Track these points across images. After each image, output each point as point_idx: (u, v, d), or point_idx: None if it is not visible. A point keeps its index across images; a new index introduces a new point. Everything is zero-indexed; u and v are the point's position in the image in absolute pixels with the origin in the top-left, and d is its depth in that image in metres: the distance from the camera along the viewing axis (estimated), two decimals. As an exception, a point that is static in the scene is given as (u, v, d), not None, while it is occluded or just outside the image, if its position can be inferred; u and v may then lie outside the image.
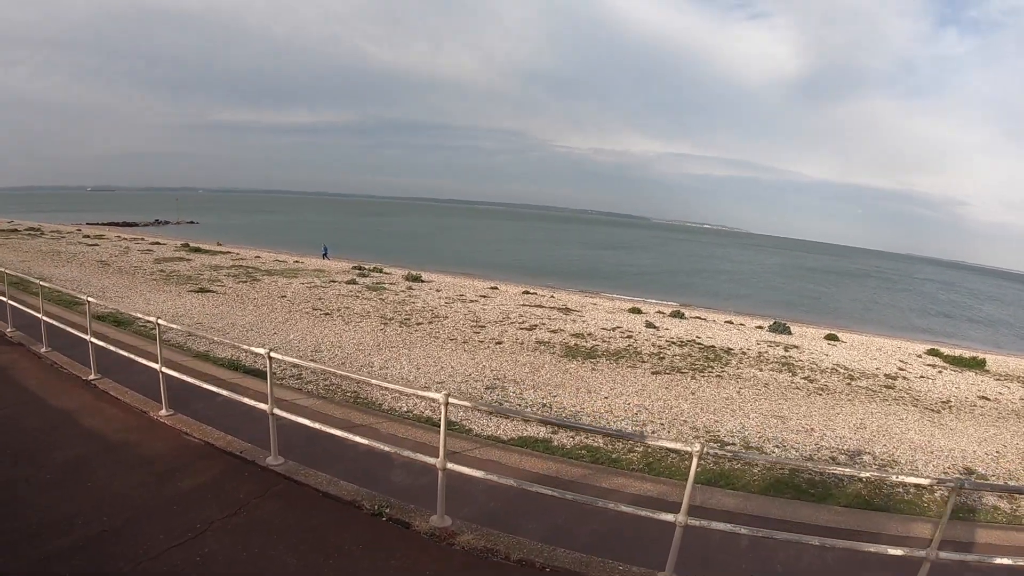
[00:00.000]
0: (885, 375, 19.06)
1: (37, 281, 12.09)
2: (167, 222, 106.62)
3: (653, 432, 11.36)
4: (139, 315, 9.95)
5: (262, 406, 7.01)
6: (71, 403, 8.84)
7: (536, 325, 22.07)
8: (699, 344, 21.14)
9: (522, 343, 18.58)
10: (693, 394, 14.32)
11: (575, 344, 19.03)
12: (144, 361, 8.82)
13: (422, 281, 34.62)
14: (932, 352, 26.24)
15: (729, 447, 10.93)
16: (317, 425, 6.66)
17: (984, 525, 8.23)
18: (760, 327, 29.42)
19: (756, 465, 9.27)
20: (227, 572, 5.13)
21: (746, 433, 11.82)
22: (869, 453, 11.38)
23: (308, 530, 5.75)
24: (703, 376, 16.26)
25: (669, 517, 4.99)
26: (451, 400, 5.62)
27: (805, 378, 17.27)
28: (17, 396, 9.05)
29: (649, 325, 24.48)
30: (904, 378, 18.96)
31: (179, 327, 9.92)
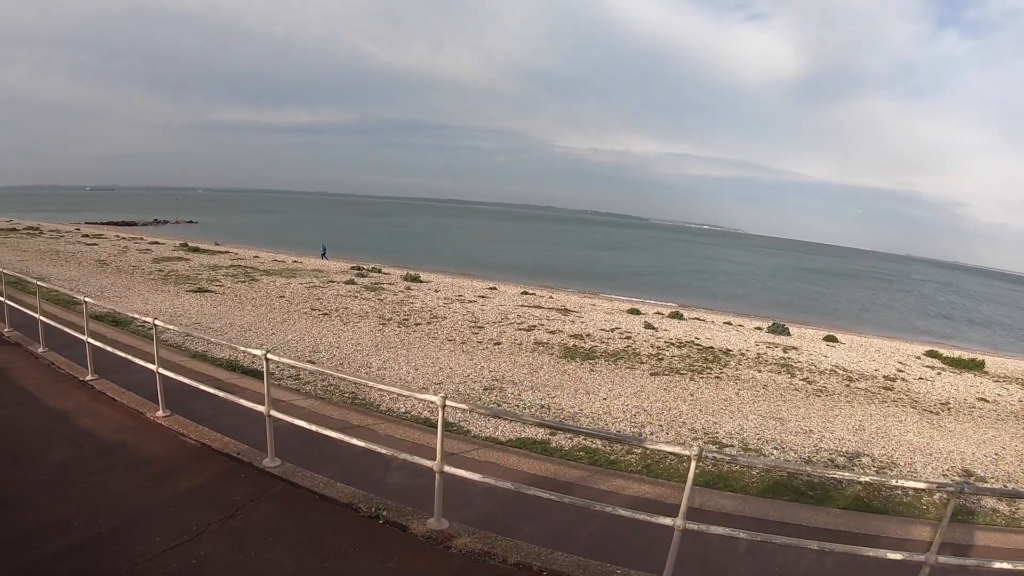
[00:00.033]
0: (884, 376, 19.07)
1: (34, 281, 12.05)
2: (166, 222, 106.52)
3: (652, 434, 11.35)
4: (136, 315, 9.90)
5: (259, 408, 6.97)
6: (68, 404, 8.80)
7: (535, 326, 22.06)
8: (698, 345, 21.14)
9: (520, 344, 18.57)
10: (692, 395, 14.31)
11: (574, 345, 19.02)
12: (141, 362, 8.78)
13: (421, 281, 34.62)
14: (931, 353, 26.24)
15: (728, 449, 10.92)
16: (314, 427, 6.62)
17: (983, 528, 8.22)
18: (759, 328, 29.42)
19: (755, 467, 9.26)
20: (223, 575, 5.10)
21: (745, 435, 11.81)
22: (868, 455, 11.37)
23: (305, 533, 5.72)
24: (702, 377, 16.25)
25: (667, 521, 4.96)
26: (448, 403, 5.59)
27: (804, 379, 17.27)
28: (14, 396, 9.01)
29: (648, 326, 24.48)
30: (903, 380, 18.96)
31: (176, 328, 9.89)
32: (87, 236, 48.77)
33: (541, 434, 10.16)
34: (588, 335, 21.04)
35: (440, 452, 5.70)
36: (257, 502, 6.21)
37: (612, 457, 9.41)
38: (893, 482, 4.90)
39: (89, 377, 9.85)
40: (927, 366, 22.71)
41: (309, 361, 14.29)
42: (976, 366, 23.48)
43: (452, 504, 6.39)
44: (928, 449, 12.11)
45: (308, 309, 21.79)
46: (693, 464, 4.77)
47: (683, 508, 4.89)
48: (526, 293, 35.07)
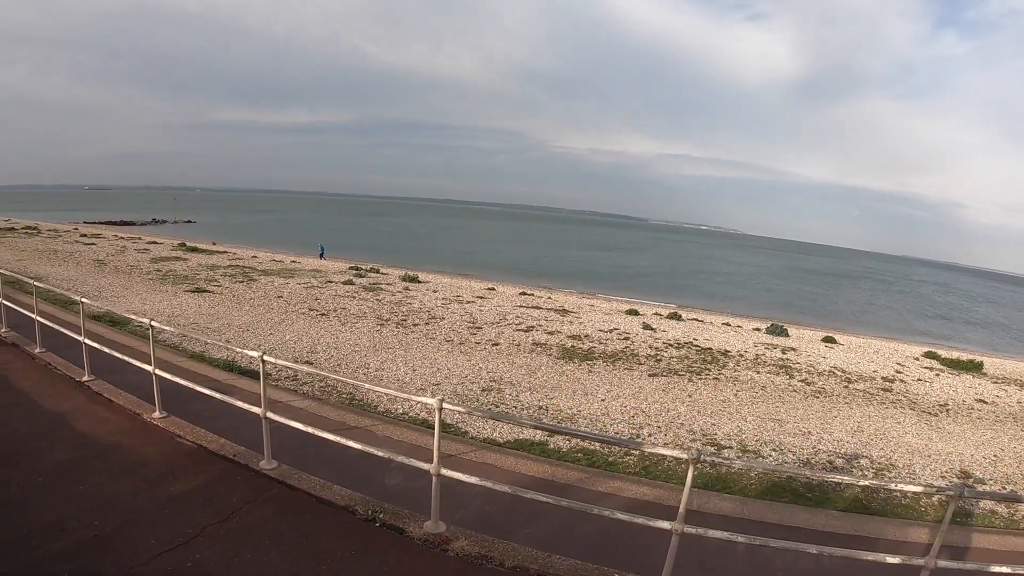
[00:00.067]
0: (882, 378, 19.06)
1: (31, 281, 12.02)
2: (164, 221, 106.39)
3: (650, 435, 11.33)
4: (132, 316, 9.86)
5: (255, 409, 6.94)
6: (64, 405, 8.77)
7: (533, 327, 22.05)
8: (696, 346, 21.14)
9: (519, 345, 18.54)
10: (690, 397, 14.29)
11: (572, 346, 19.00)
12: (137, 363, 8.74)
13: (419, 282, 34.60)
14: (929, 355, 26.24)
15: (726, 451, 10.91)
16: (310, 429, 6.59)
17: (982, 530, 8.20)
18: (757, 329, 29.41)
19: (753, 469, 9.24)
20: (219, 579, 5.08)
21: (743, 436, 11.80)
22: (866, 456, 11.36)
23: (301, 536, 5.69)
24: (700, 379, 16.24)
25: (665, 524, 4.94)
26: (445, 405, 5.56)
27: (802, 381, 17.26)
28: (10, 397, 8.97)
29: (646, 327, 24.48)
30: (901, 381, 18.96)
31: (172, 329, 9.85)
32: (85, 235, 48.71)
33: (539, 435, 10.14)
34: (586, 336, 21.03)
35: (437, 455, 5.67)
36: (253, 505, 6.18)
37: (610, 459, 9.38)
38: (892, 486, 4.88)
39: (86, 378, 9.81)
40: (925, 367, 22.72)
41: (307, 362, 14.28)
42: (974, 367, 23.48)
43: (450, 506, 6.37)
44: (927, 451, 12.11)
45: (306, 309, 21.77)
46: (691, 468, 4.75)
47: (681, 511, 4.86)
48: (524, 294, 35.05)
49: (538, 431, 10.28)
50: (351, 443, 6.30)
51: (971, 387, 19.44)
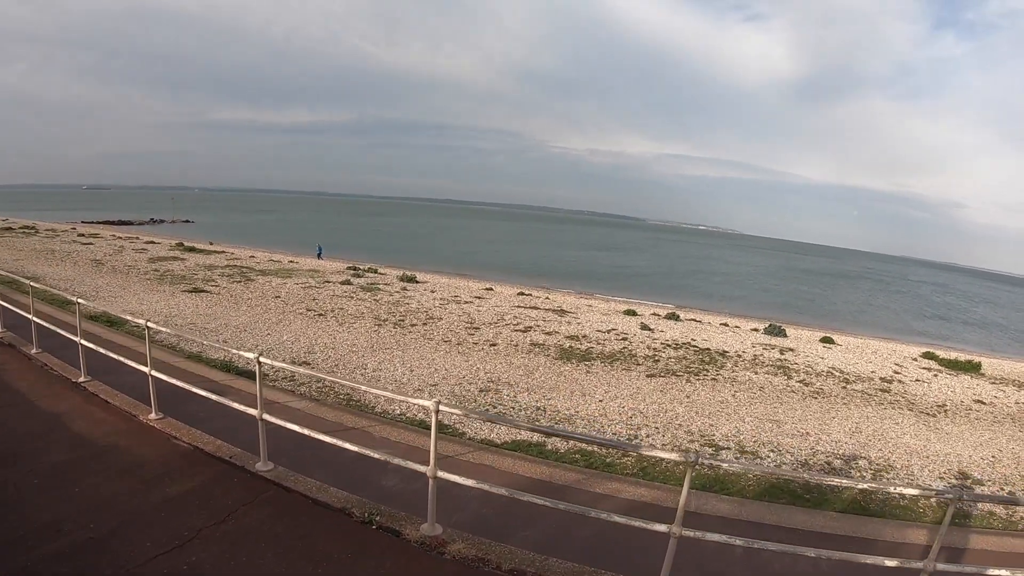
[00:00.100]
0: (880, 378, 19.07)
1: (27, 281, 11.99)
2: (162, 221, 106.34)
3: (647, 436, 11.32)
4: (128, 317, 9.83)
5: (251, 411, 6.90)
6: (60, 406, 8.73)
7: (531, 327, 22.04)
8: (694, 347, 21.14)
9: (516, 345, 18.53)
10: (688, 397, 14.28)
11: (570, 346, 19.00)
12: (134, 364, 8.70)
13: (417, 282, 34.60)
14: (927, 355, 26.26)
15: (724, 451, 10.89)
16: (307, 431, 6.56)
17: (980, 531, 8.21)
18: (755, 329, 29.43)
19: (751, 472, 9.23)
20: (214, 582, 5.06)
21: (741, 437, 11.79)
22: (865, 457, 11.36)
23: (297, 538, 5.66)
24: (698, 379, 16.23)
25: (663, 528, 4.91)
26: (442, 407, 5.54)
27: (800, 381, 17.25)
28: (6, 398, 8.93)
29: (644, 327, 24.48)
30: (900, 382, 18.96)
31: (168, 331, 9.83)
32: (83, 235, 48.69)
33: (536, 437, 10.11)
34: (584, 336, 21.02)
35: (433, 457, 5.65)
36: (249, 507, 6.15)
37: (608, 460, 9.37)
38: (891, 489, 4.86)
39: (82, 379, 9.77)
40: (924, 368, 22.73)
41: (304, 363, 14.26)
42: (972, 368, 23.49)
43: (447, 508, 6.36)
44: (925, 451, 12.10)
45: (304, 310, 21.75)
46: (689, 471, 4.73)
47: (679, 515, 4.84)
48: (522, 294, 35.06)
49: (536, 432, 10.26)
50: (348, 445, 6.27)
51: (969, 388, 19.46)
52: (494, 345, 18.30)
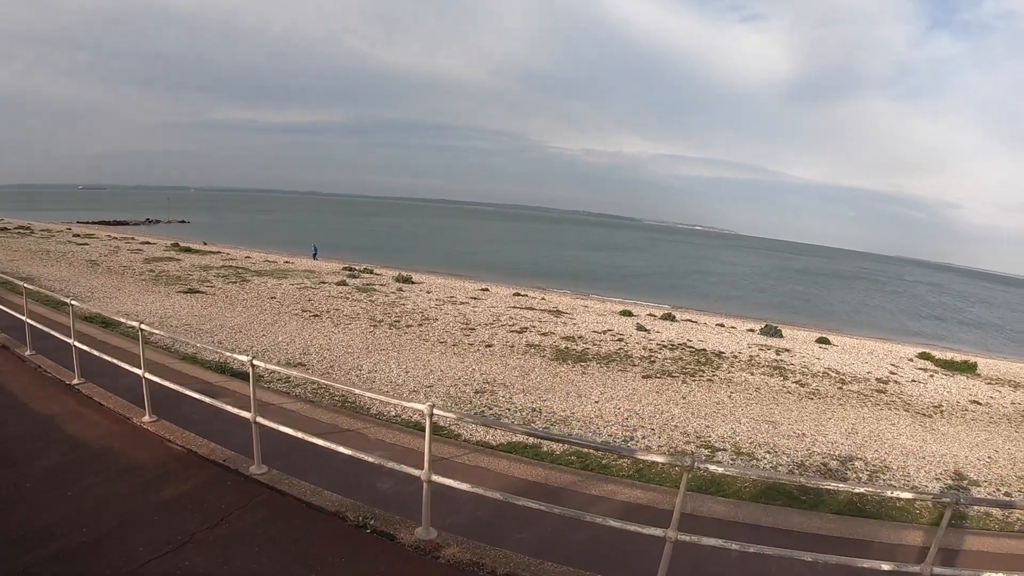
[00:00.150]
0: (876, 379, 19.07)
1: (20, 283, 11.94)
2: (158, 221, 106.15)
3: (644, 438, 11.30)
4: (122, 319, 9.79)
5: (245, 414, 6.88)
6: (54, 408, 8.70)
7: (526, 328, 22.00)
8: (690, 347, 21.12)
9: (512, 346, 18.50)
10: (684, 398, 14.27)
11: (566, 347, 18.97)
12: (127, 366, 8.67)
13: (412, 282, 34.55)
14: (923, 356, 26.27)
15: (720, 453, 10.88)
16: (300, 434, 6.53)
17: (976, 533, 8.22)
18: (751, 330, 29.45)
19: (748, 476, 9.21)
20: (208, 585, 5.03)
21: (737, 438, 11.77)
22: (861, 459, 11.35)
23: (291, 542, 5.63)
24: (694, 380, 16.21)
25: (659, 532, 4.89)
26: (436, 411, 5.52)
27: (796, 382, 17.25)
28: (0, 400, 8.92)
29: (640, 328, 24.46)
30: (896, 382, 18.96)
31: (162, 333, 9.80)
32: (78, 236, 48.53)
33: (532, 439, 10.09)
34: (580, 337, 21.00)
35: (427, 461, 5.63)
36: (243, 510, 6.13)
37: (604, 461, 9.35)
38: (889, 493, 4.85)
39: (76, 381, 9.74)
40: (920, 368, 22.74)
41: (299, 364, 14.23)
42: (968, 368, 23.52)
43: (441, 511, 6.34)
44: (921, 452, 12.10)
45: (299, 310, 21.69)
46: (685, 476, 4.71)
47: (675, 518, 4.82)
48: (518, 294, 35.03)
49: (531, 436, 10.24)
50: (342, 448, 6.25)
51: (965, 388, 19.47)
52: (490, 346, 18.27)
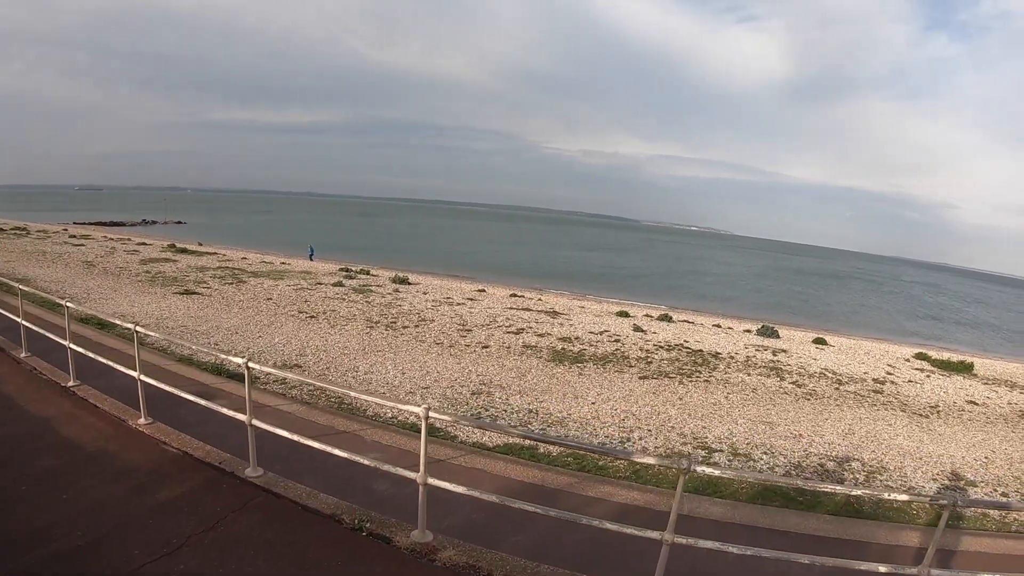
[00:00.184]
0: (873, 379, 19.08)
1: (16, 285, 11.91)
2: (154, 222, 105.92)
3: (640, 439, 11.30)
4: (117, 321, 9.76)
5: (241, 416, 6.85)
6: (49, 410, 8.68)
7: (523, 329, 21.99)
8: (687, 348, 21.13)
9: (509, 347, 18.49)
10: (681, 399, 14.26)
11: (562, 348, 18.96)
12: (123, 368, 8.64)
13: (409, 283, 34.53)
14: (920, 356, 26.30)
15: (717, 454, 10.87)
16: (296, 437, 6.52)
17: (973, 533, 8.21)
18: (748, 331, 29.44)
19: (745, 471, 9.21)
20: (203, 589, 5.02)
21: (734, 439, 11.77)
22: (858, 459, 11.35)
23: (286, 545, 5.62)
24: (691, 381, 16.21)
25: (655, 535, 4.88)
26: (431, 414, 5.50)
27: (793, 383, 17.25)
28: (-5, 403, 8.91)
29: (637, 329, 24.46)
30: (892, 383, 18.98)
31: (157, 335, 9.78)
32: (74, 237, 48.45)
33: (528, 440, 10.07)
34: (577, 338, 21.00)
35: (423, 464, 5.61)
36: (239, 513, 6.11)
37: (600, 463, 9.33)
38: (885, 495, 4.84)
39: (71, 383, 9.72)
40: (916, 368, 22.77)
41: (296, 365, 14.20)
42: (965, 368, 23.54)
43: (438, 512, 6.33)
44: (918, 453, 12.10)
45: (295, 312, 21.67)
46: (681, 478, 4.70)
47: (671, 522, 4.81)
48: (515, 295, 34.99)
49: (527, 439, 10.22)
50: (337, 451, 6.23)
51: (962, 388, 19.50)
52: (486, 347, 18.26)
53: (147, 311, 19.19)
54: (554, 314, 27.31)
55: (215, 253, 44.43)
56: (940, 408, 16.21)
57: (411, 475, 5.70)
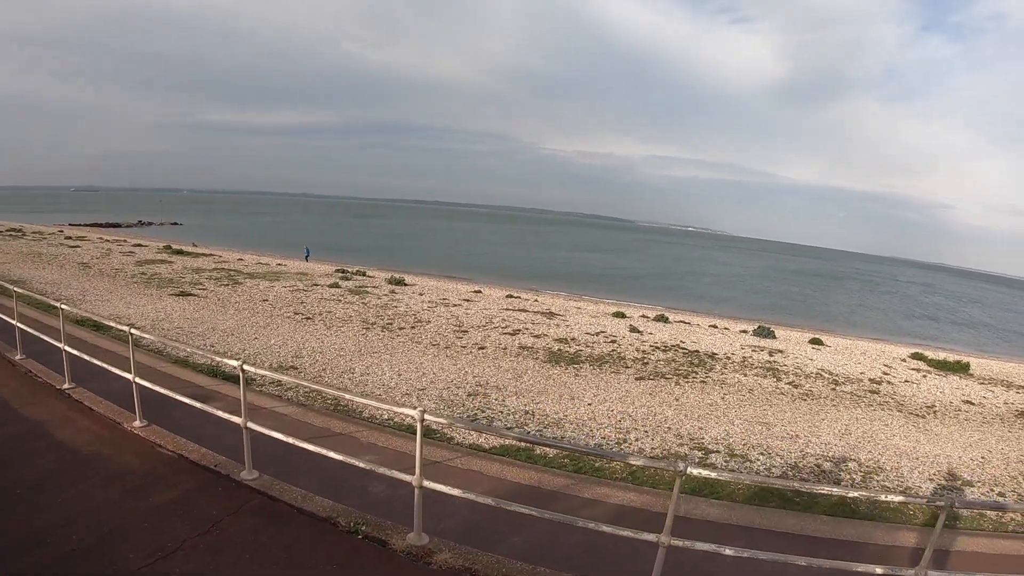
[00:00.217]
0: (870, 380, 19.11)
1: (10, 287, 11.87)
2: (150, 223, 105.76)
3: (637, 440, 11.30)
4: (112, 324, 9.72)
5: (236, 419, 6.81)
6: (44, 413, 8.63)
7: (519, 330, 21.99)
8: (683, 349, 21.13)
9: (505, 348, 18.48)
10: (677, 400, 14.26)
11: (558, 349, 18.95)
12: (118, 370, 8.60)
13: (405, 284, 34.51)
14: (916, 356, 26.36)
15: (713, 455, 10.86)
16: (291, 439, 6.50)
17: (970, 533, 8.22)
18: (744, 331, 29.48)
19: (742, 473, 9.20)
20: (197, 593, 4.99)
21: (731, 440, 11.77)
22: (854, 460, 11.35)
23: (282, 548, 5.60)
24: (687, 382, 16.21)
25: (652, 537, 4.88)
26: (427, 416, 5.49)
27: (790, 383, 17.26)
28: (-10, 405, 8.87)
29: (633, 329, 24.47)
30: (889, 383, 19.00)
31: (152, 337, 9.75)
32: (70, 238, 48.34)
33: (524, 442, 10.05)
34: (573, 339, 20.99)
35: (419, 467, 5.59)
36: (234, 516, 6.08)
37: (597, 464, 9.31)
38: (883, 497, 4.84)
39: (66, 386, 9.67)
40: (913, 369, 22.81)
41: (291, 367, 14.18)
42: (961, 368, 23.59)
43: (435, 514, 6.31)
44: (914, 453, 12.11)
45: (291, 313, 21.64)
46: (678, 481, 4.69)
47: (668, 524, 4.80)
48: (511, 296, 35.00)
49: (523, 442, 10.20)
50: (333, 453, 6.21)
51: (958, 388, 19.53)
52: (482, 348, 18.25)
53: (143, 313, 19.15)
54: (550, 315, 27.31)
55: (211, 254, 44.36)
56: (936, 408, 16.23)
57: (407, 478, 5.68)
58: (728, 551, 4.90)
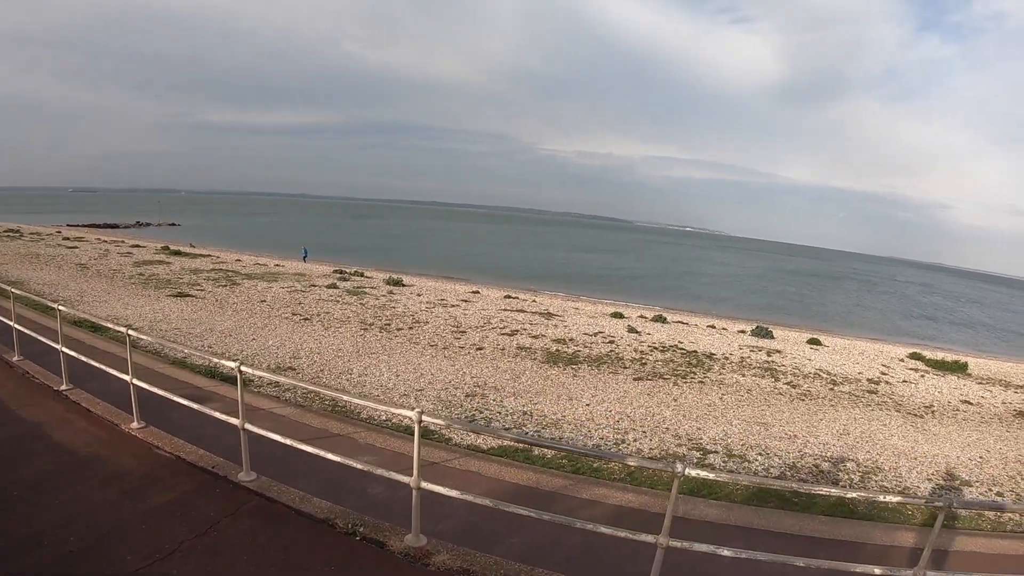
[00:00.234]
0: (868, 380, 19.11)
1: (8, 288, 11.86)
2: (148, 224, 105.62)
3: (635, 440, 11.29)
4: (109, 325, 9.71)
5: (233, 420, 6.80)
6: (41, 415, 8.62)
7: (517, 330, 21.97)
8: (681, 349, 21.12)
9: (503, 349, 18.47)
10: (675, 401, 14.26)
11: (556, 350, 18.94)
12: (116, 372, 8.59)
13: (403, 285, 34.47)
14: (914, 356, 26.37)
15: (712, 455, 10.86)
16: (289, 441, 6.49)
17: (968, 533, 8.21)
18: (742, 331, 29.49)
19: (740, 473, 9.20)
20: (195, 595, 4.99)
21: (729, 440, 11.77)
22: (852, 460, 11.35)
23: (280, 549, 5.59)
24: (685, 382, 16.21)
25: (650, 538, 4.87)
26: (424, 418, 5.48)
27: (788, 383, 17.26)
28: (-14, 407, 8.85)
29: (631, 330, 24.46)
30: (887, 383, 19.00)
31: (149, 338, 9.75)
32: (68, 239, 48.28)
33: (523, 443, 10.04)
34: (571, 340, 20.98)
35: (416, 468, 5.58)
36: (232, 518, 6.08)
37: (595, 465, 9.30)
38: (881, 498, 4.84)
39: (64, 387, 9.65)
40: (911, 368, 22.82)
41: (289, 368, 14.15)
42: (959, 368, 23.60)
43: (433, 515, 6.29)
44: (913, 453, 12.11)
45: (289, 314, 21.61)
46: (676, 482, 4.68)
47: (666, 525, 4.80)
48: (509, 297, 35.00)
49: (521, 440, 10.18)
50: (331, 455, 6.20)
51: (956, 388, 19.54)
52: (480, 349, 18.24)
53: (140, 314, 19.13)
54: (548, 315, 27.30)
55: (209, 255, 44.31)
56: (935, 408, 16.23)
57: (405, 479, 5.68)
58: (726, 552, 4.90)
